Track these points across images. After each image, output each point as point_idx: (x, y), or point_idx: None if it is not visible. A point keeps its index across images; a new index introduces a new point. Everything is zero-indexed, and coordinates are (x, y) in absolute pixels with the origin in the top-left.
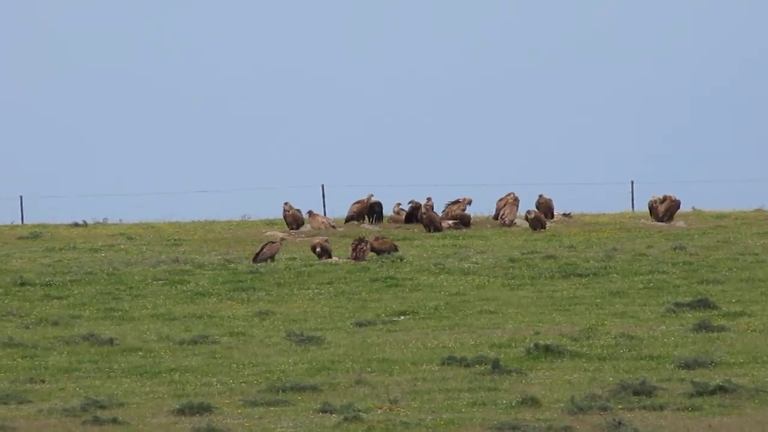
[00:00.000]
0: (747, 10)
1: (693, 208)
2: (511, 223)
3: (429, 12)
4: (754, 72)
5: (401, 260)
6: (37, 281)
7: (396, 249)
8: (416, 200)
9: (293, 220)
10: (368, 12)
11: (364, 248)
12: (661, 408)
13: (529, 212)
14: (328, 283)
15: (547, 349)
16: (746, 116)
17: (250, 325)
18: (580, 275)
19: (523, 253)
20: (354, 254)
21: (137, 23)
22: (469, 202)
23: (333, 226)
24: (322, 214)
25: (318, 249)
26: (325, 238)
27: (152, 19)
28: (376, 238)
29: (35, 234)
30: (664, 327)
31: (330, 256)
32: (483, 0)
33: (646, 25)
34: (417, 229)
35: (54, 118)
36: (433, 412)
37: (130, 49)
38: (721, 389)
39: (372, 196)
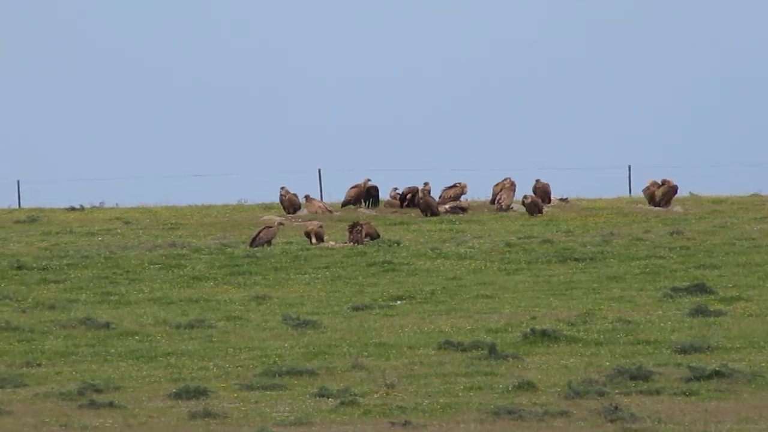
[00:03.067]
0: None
1: (690, 193)
2: (508, 208)
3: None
4: (752, 60)
5: (398, 245)
6: (34, 265)
7: (378, 236)
8: (414, 186)
9: (290, 205)
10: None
11: (360, 230)
12: (658, 393)
13: (525, 197)
14: (325, 268)
15: (544, 334)
16: (743, 102)
17: (246, 309)
18: (576, 260)
19: (519, 238)
20: (351, 237)
21: (135, 6)
22: (465, 191)
23: (330, 211)
24: (319, 198)
25: (312, 236)
26: (320, 224)
27: (150, 2)
28: (365, 224)
29: (32, 218)
30: (661, 312)
31: (322, 241)
32: None
33: (646, 17)
34: (414, 213)
35: (51, 102)
36: (429, 396)
37: (124, 32)
38: (717, 374)
39: (369, 180)
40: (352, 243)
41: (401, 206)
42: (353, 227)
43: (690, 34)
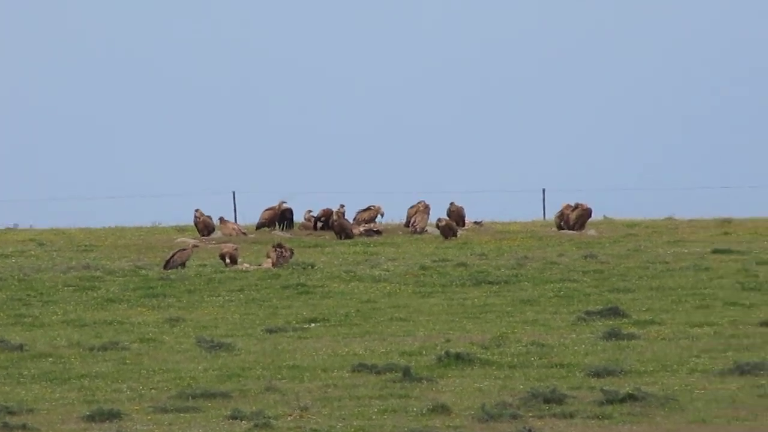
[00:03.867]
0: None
1: (604, 216)
2: (423, 231)
3: (329, 21)
4: (664, 84)
5: (312, 267)
6: None
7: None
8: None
9: (204, 227)
10: (278, 21)
11: (286, 249)
12: (572, 416)
13: (440, 220)
14: (239, 290)
15: (458, 357)
16: (656, 126)
17: (160, 331)
18: (491, 283)
19: (434, 261)
20: (278, 256)
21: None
22: (381, 214)
23: (244, 233)
24: (233, 220)
25: (227, 258)
26: (234, 246)
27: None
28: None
29: None
30: (574, 335)
31: (236, 263)
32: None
33: (566, 46)
34: (328, 236)
35: None
36: (343, 419)
37: (35, 50)
38: (630, 397)
39: (283, 202)
40: (279, 262)
41: (315, 229)
42: (279, 247)
43: (604, 60)
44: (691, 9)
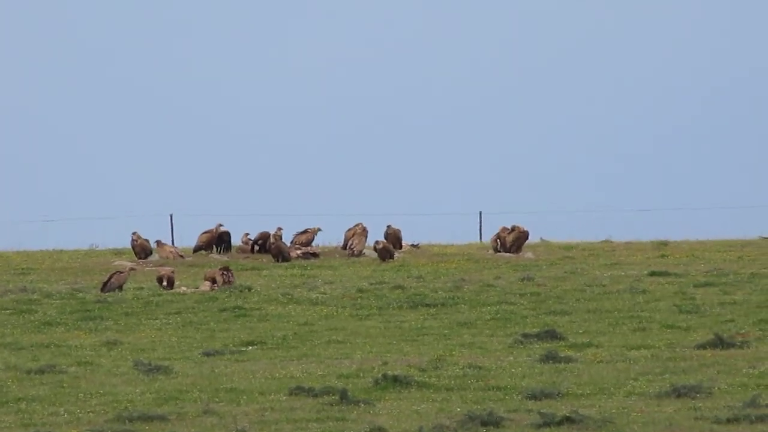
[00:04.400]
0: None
1: (541, 239)
2: (360, 253)
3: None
4: (599, 104)
5: (249, 290)
6: None
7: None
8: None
9: (141, 250)
10: (215, 42)
11: (232, 278)
12: None
13: (377, 242)
14: (176, 313)
15: (395, 380)
16: (593, 149)
17: (97, 354)
18: (428, 306)
19: (371, 284)
20: (224, 279)
21: None
22: (318, 230)
23: (181, 256)
24: (171, 243)
25: (164, 281)
26: (172, 269)
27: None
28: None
29: None
30: (511, 357)
31: (172, 287)
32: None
33: (505, 64)
34: (265, 258)
35: None
36: None
37: None
38: (568, 420)
39: (221, 225)
40: (225, 286)
41: (253, 252)
42: (226, 270)
43: (539, 85)
44: (635, 35)
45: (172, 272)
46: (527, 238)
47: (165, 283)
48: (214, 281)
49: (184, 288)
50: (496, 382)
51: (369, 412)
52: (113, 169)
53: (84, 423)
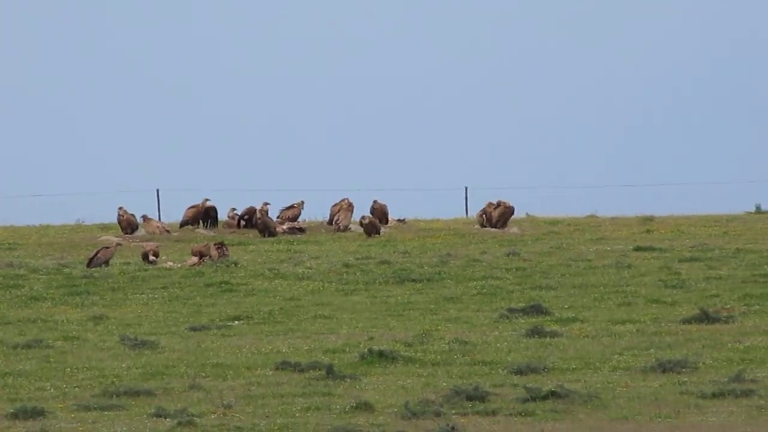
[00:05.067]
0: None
1: (527, 214)
2: (346, 229)
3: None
4: (585, 78)
5: (236, 265)
6: None
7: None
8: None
9: (128, 225)
10: (202, 16)
11: (227, 252)
12: (494, 413)
13: (363, 218)
14: (163, 288)
15: (381, 355)
16: (578, 123)
17: (84, 329)
18: (414, 281)
19: (357, 259)
20: (221, 254)
21: None
22: (302, 203)
23: (168, 231)
24: (157, 218)
25: (150, 255)
26: (157, 244)
27: None
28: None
29: None
30: (497, 332)
31: (155, 261)
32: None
33: (496, 43)
34: (252, 234)
35: None
36: (267, 417)
37: None
38: (553, 394)
39: (207, 200)
40: (220, 258)
41: (239, 227)
42: (221, 245)
43: (526, 60)
44: (623, 14)
45: (157, 247)
46: (513, 213)
47: (152, 257)
48: (201, 255)
49: (170, 263)
50: (482, 356)
51: (355, 387)
52: (100, 143)
53: (71, 398)
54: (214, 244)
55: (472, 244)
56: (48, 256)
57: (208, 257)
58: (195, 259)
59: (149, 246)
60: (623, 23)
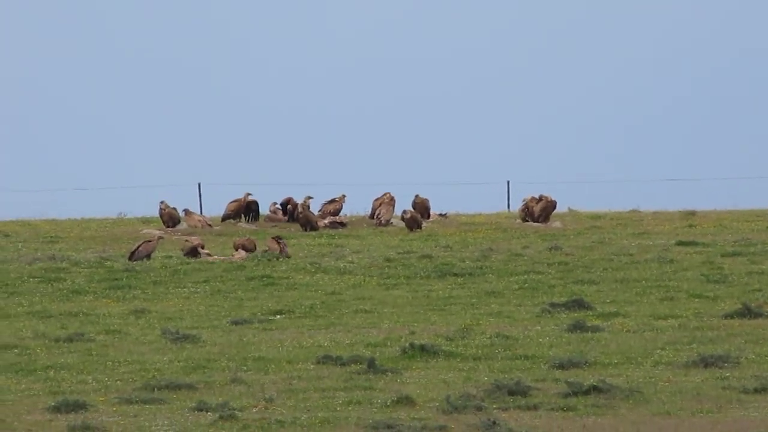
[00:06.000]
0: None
1: (569, 208)
2: (387, 223)
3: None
4: (628, 73)
5: (277, 259)
6: None
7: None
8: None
9: (169, 219)
10: (246, 14)
11: (285, 247)
12: (536, 408)
13: (405, 212)
14: (204, 282)
15: (423, 349)
16: (622, 119)
17: (125, 323)
18: (455, 275)
19: (399, 253)
20: (280, 249)
21: None
22: (343, 198)
23: (209, 225)
24: (199, 212)
25: (200, 249)
26: (199, 239)
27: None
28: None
29: None
30: (539, 327)
31: (198, 255)
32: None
33: (527, 37)
34: (293, 228)
35: None
36: (308, 410)
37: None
38: (595, 389)
39: (249, 194)
40: (282, 255)
41: (284, 214)
42: (279, 238)
43: (569, 52)
44: (658, 5)
45: (200, 242)
46: (555, 208)
47: (201, 250)
48: (246, 249)
49: (215, 256)
50: (524, 351)
51: (396, 381)
52: (142, 138)
53: (112, 391)
54: (273, 238)
55: (514, 239)
56: (90, 249)
57: (253, 251)
58: (243, 253)
59: (196, 241)
60: (659, 7)
